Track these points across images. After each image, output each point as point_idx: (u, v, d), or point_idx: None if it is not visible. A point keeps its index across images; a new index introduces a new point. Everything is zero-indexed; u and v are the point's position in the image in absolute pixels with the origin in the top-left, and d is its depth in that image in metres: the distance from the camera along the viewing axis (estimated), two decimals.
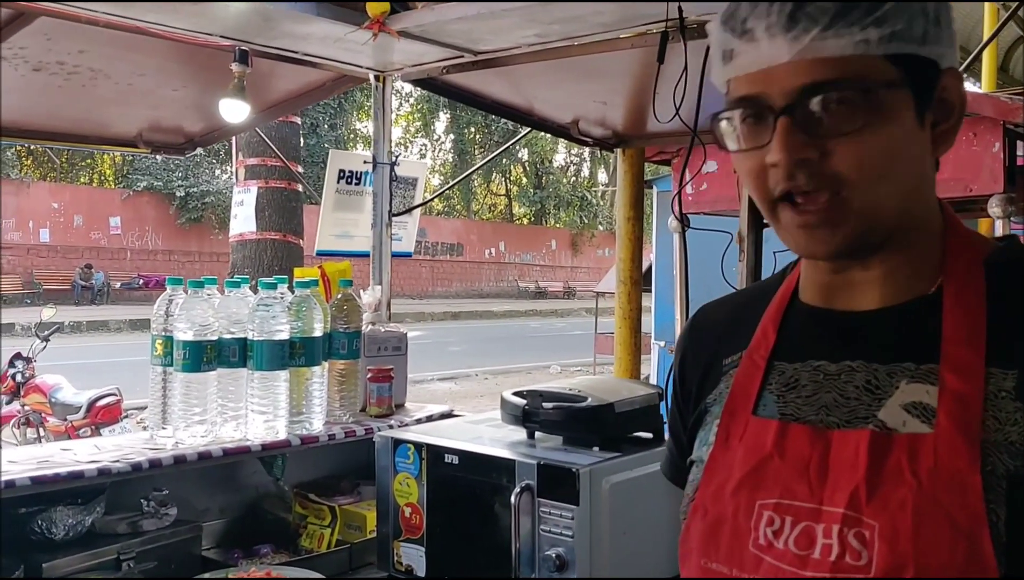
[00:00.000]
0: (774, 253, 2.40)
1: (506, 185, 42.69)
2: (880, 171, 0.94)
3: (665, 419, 2.32)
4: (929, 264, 1.01)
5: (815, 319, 1.06)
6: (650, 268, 8.56)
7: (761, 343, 1.08)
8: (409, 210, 3.43)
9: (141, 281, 27.06)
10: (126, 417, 8.17)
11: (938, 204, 1.04)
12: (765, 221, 2.27)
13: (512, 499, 1.93)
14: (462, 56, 2.90)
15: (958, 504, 0.87)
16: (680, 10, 2.26)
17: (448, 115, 37.05)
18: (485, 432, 2.25)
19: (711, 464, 1.05)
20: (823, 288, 1.06)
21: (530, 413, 2.12)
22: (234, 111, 2.94)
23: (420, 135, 38.57)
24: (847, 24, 0.91)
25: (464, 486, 2.08)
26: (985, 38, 6.20)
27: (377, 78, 3.23)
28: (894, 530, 0.88)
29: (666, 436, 1.28)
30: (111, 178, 31.63)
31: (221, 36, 2.73)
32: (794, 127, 0.93)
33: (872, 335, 1.00)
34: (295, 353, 2.49)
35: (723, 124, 1.00)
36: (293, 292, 2.55)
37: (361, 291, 2.98)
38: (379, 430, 2.38)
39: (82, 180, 31.32)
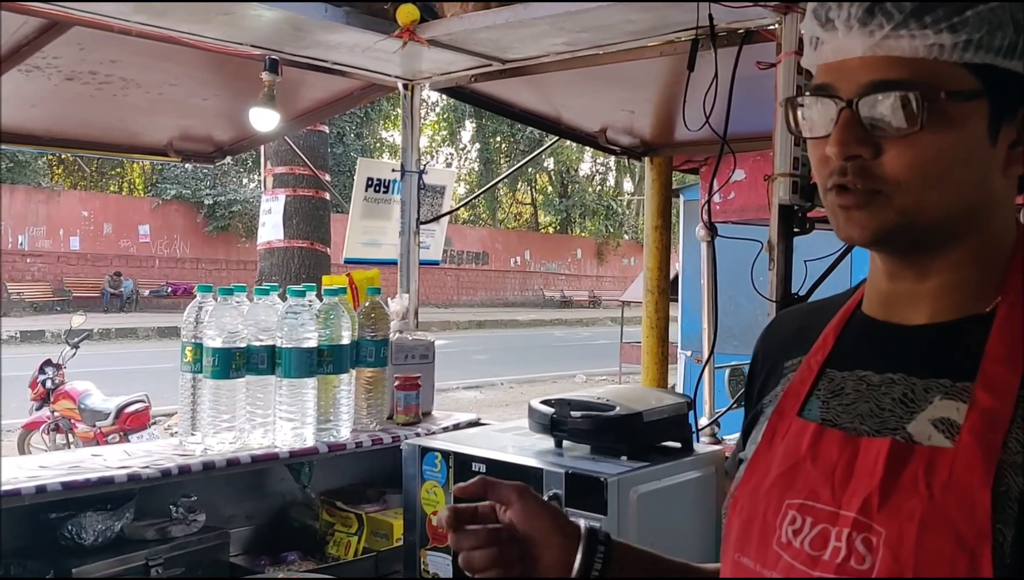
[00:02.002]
0: (805, 262, 2.39)
1: (531, 194, 42.71)
2: (929, 177, 0.93)
3: (694, 428, 2.32)
4: (990, 284, 0.99)
5: (868, 330, 1.06)
6: (676, 277, 8.53)
7: (819, 349, 1.09)
8: (437, 218, 3.43)
9: (169, 289, 27.29)
10: (154, 423, 8.24)
11: (1015, 224, 1.02)
12: (796, 229, 2.26)
13: None
14: (490, 64, 2.91)
15: (966, 519, 0.87)
16: (711, 17, 2.25)
17: (474, 124, 37.14)
18: (512, 441, 2.25)
19: (754, 461, 1.06)
20: (882, 298, 1.06)
21: (558, 422, 2.11)
22: (264, 120, 2.96)
23: (446, 144, 38.70)
24: (921, 26, 0.91)
25: None
26: None
27: (406, 87, 3.24)
28: (900, 538, 0.88)
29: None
30: (140, 187, 31.95)
31: (251, 45, 2.75)
32: (853, 122, 0.94)
33: (916, 349, 1.00)
34: (323, 361, 2.50)
35: (798, 109, 1.01)
36: (321, 300, 2.56)
37: (389, 299, 2.98)
38: (406, 438, 2.38)
39: (112, 189, 31.63)
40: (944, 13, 0.90)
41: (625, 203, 42.19)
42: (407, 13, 2.49)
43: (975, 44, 0.91)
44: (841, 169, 0.95)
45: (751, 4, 2.15)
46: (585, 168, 42.25)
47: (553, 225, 42.89)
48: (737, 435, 1.28)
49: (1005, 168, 0.97)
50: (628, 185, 42.69)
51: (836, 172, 0.96)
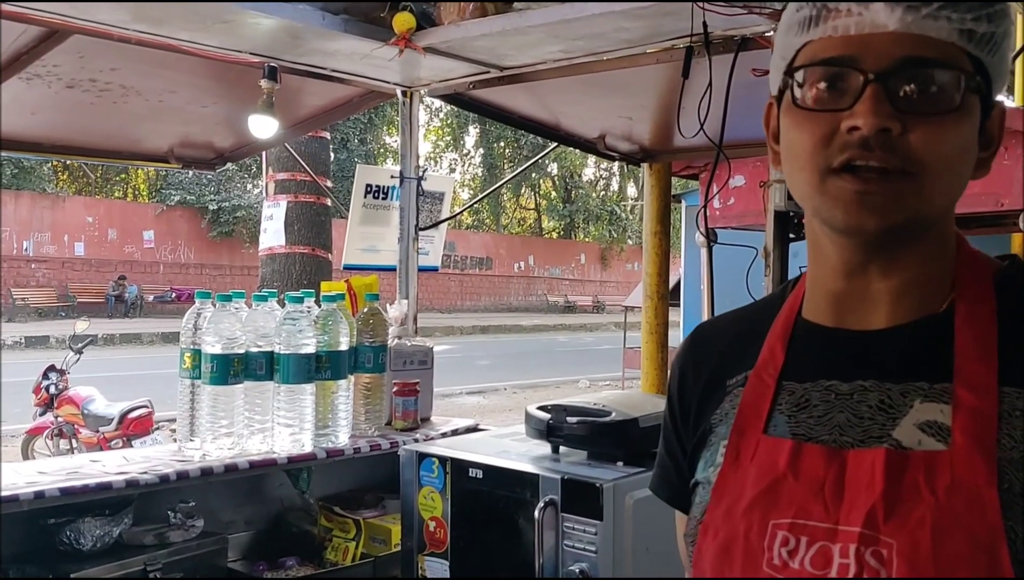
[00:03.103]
0: (800, 268, 2.40)
1: (535, 199, 42.72)
2: (947, 163, 0.92)
3: None
4: (943, 281, 0.99)
5: (825, 338, 1.03)
6: (679, 282, 8.54)
7: (769, 362, 1.05)
8: (436, 224, 3.44)
9: (173, 294, 27.30)
10: (157, 429, 8.25)
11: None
12: (791, 235, 2.27)
13: (535, 514, 1.93)
14: (488, 72, 2.91)
15: (977, 520, 0.86)
16: (705, 25, 2.26)
17: (478, 130, 37.17)
18: (510, 446, 2.25)
19: (720, 484, 1.02)
20: (834, 300, 1.02)
21: (554, 427, 2.12)
22: (263, 127, 2.97)
23: (450, 149, 38.73)
24: (963, 10, 0.90)
25: (488, 500, 2.08)
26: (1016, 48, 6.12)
27: (404, 93, 3.25)
28: (914, 548, 0.87)
29: (659, 452, 1.21)
30: (145, 192, 32.02)
31: (250, 53, 2.76)
32: (883, 96, 0.91)
33: (884, 354, 0.99)
34: (321, 367, 2.51)
35: (793, 84, 0.97)
36: (320, 306, 2.57)
37: (387, 305, 2.99)
38: (404, 444, 2.39)
39: (116, 194, 31.71)
40: (980, 3, 0.91)
41: (629, 208, 42.15)
42: (403, 21, 2.51)
43: (995, 40, 0.92)
44: (863, 142, 0.90)
45: (744, 12, 2.16)
46: (589, 173, 42.28)
47: (557, 230, 42.90)
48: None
49: (975, 169, 0.98)
50: (632, 190, 42.66)
51: (857, 145, 0.91)
